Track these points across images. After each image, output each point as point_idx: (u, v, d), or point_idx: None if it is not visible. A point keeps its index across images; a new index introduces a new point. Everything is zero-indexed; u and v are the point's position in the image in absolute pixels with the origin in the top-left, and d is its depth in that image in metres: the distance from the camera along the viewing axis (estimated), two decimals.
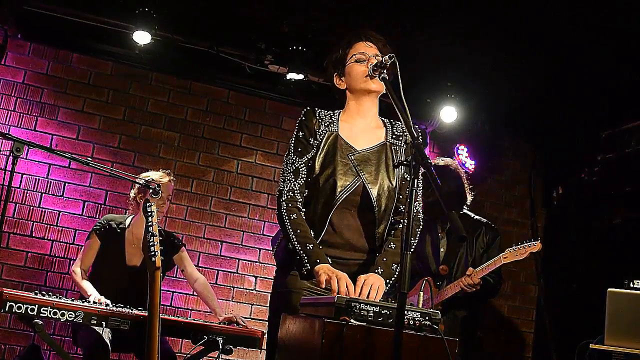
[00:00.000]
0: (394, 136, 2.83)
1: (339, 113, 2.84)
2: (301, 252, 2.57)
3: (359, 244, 2.70)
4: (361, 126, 2.81)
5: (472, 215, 4.46)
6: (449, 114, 5.62)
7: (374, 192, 2.68)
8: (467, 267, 4.25)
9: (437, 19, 4.73)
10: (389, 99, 2.51)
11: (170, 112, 5.52)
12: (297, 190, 2.70)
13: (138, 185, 4.10)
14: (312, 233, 2.64)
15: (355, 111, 2.82)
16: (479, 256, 4.33)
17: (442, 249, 4.35)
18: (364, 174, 2.70)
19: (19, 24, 5.04)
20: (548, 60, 5.07)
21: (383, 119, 2.88)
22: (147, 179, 4.09)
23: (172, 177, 4.34)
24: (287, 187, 2.70)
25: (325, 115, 2.79)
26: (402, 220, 2.74)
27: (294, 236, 2.60)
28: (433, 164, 4.27)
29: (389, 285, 2.60)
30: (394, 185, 2.73)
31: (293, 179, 2.71)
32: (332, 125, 2.78)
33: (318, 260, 2.54)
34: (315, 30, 5.02)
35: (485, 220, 4.48)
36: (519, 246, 4.25)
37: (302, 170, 2.72)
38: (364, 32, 2.81)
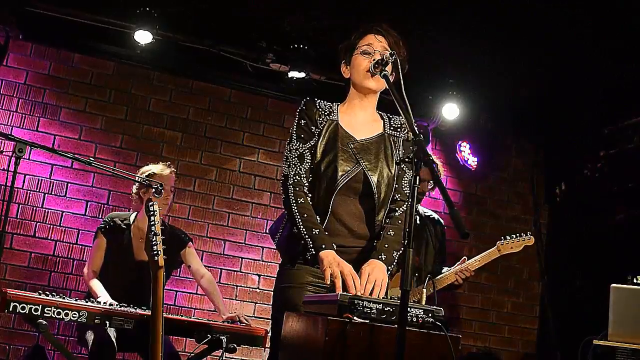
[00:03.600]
0: (391, 128, 2.87)
1: (338, 105, 2.88)
2: (306, 236, 2.58)
3: (360, 230, 2.72)
4: (360, 118, 2.85)
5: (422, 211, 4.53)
6: (451, 110, 5.61)
7: (374, 179, 2.71)
8: (432, 259, 4.32)
9: (438, 17, 4.73)
10: (390, 95, 2.51)
11: (172, 112, 5.53)
12: (303, 174, 2.71)
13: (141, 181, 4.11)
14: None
15: (356, 104, 2.85)
16: (438, 248, 4.43)
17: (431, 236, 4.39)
18: (364, 162, 2.73)
19: (20, 24, 5.05)
20: (550, 57, 5.07)
21: (380, 112, 2.91)
22: (148, 172, 4.11)
23: (173, 169, 4.35)
24: (292, 172, 2.71)
25: (325, 106, 2.83)
26: (397, 209, 2.77)
27: (300, 220, 2.61)
28: None
29: (388, 272, 2.62)
30: (393, 174, 2.77)
31: (298, 164, 2.72)
32: (332, 114, 2.81)
33: (323, 246, 2.55)
34: (317, 28, 5.02)
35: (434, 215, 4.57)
36: (513, 239, 4.31)
37: (306, 156, 2.74)
38: (377, 25, 2.83)
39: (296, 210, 2.64)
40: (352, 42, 2.82)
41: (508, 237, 4.35)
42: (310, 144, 2.75)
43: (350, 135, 2.78)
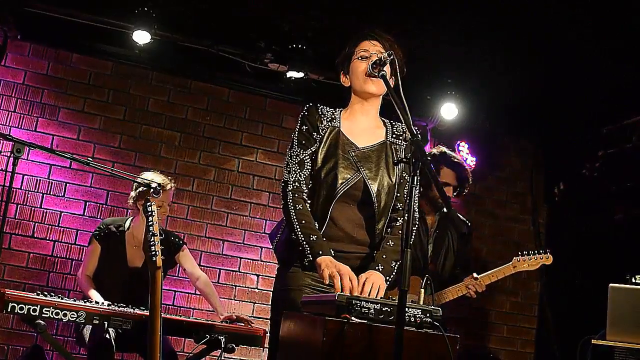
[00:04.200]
0: (394, 135, 2.86)
1: (341, 110, 2.87)
2: (304, 242, 2.58)
3: (359, 237, 2.72)
4: (362, 125, 2.84)
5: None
6: (449, 110, 5.61)
7: (373, 187, 2.71)
8: (452, 265, 4.29)
9: (437, 17, 4.73)
10: (389, 96, 2.51)
11: (170, 112, 5.52)
12: (302, 181, 2.72)
13: (139, 189, 4.11)
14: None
15: (358, 110, 2.85)
16: (460, 254, 4.37)
17: (429, 246, 4.35)
18: (365, 170, 2.72)
19: (19, 24, 5.04)
20: (549, 56, 5.07)
21: (383, 119, 2.91)
22: (147, 180, 4.12)
23: (174, 184, 4.37)
24: (292, 178, 2.71)
25: (327, 111, 2.82)
26: (399, 218, 2.76)
27: (298, 226, 2.61)
28: (446, 153, 4.39)
29: (388, 282, 2.61)
30: (394, 182, 2.76)
31: (298, 170, 2.72)
32: (334, 121, 2.81)
33: (320, 252, 2.55)
34: (315, 28, 5.02)
35: (463, 218, 4.53)
36: (529, 256, 4.23)
37: (306, 162, 2.74)
38: (371, 31, 2.83)
39: (294, 217, 2.63)
40: (348, 52, 2.82)
41: (525, 254, 4.25)
42: (311, 150, 2.75)
43: (352, 142, 2.78)
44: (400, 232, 2.73)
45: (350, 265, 2.57)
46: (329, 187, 2.69)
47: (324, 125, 2.78)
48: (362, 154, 2.76)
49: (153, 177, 4.25)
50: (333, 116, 2.82)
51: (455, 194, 4.41)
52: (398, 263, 2.67)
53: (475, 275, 4.22)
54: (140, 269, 4.11)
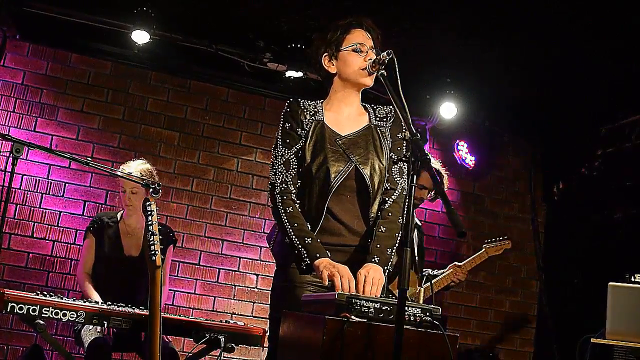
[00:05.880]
0: (377, 119, 2.84)
1: (322, 102, 2.84)
2: (299, 246, 2.55)
3: (358, 228, 2.69)
4: (346, 114, 2.81)
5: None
6: (448, 110, 5.62)
7: (366, 172, 2.68)
8: (422, 263, 4.49)
9: (435, 16, 4.72)
10: (387, 95, 2.50)
11: (169, 111, 5.52)
12: (289, 181, 2.69)
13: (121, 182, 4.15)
14: (310, 222, 2.63)
15: (341, 100, 2.81)
16: (420, 253, 4.57)
17: (415, 242, 4.42)
18: (355, 157, 2.69)
19: (18, 24, 5.04)
20: (547, 55, 5.07)
21: (364, 104, 2.88)
22: (127, 171, 4.08)
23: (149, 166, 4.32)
24: (279, 179, 2.69)
25: (309, 105, 2.79)
26: (388, 199, 2.73)
27: (291, 230, 2.59)
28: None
29: (387, 271, 2.59)
30: (384, 164, 2.73)
31: (284, 171, 2.70)
32: (317, 114, 2.77)
33: (318, 255, 2.52)
34: (314, 27, 5.01)
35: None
36: (494, 243, 4.74)
37: (292, 162, 2.71)
38: (365, 21, 2.80)
39: (286, 220, 2.61)
40: (339, 37, 2.76)
41: (491, 241, 4.76)
42: (296, 148, 2.72)
43: (337, 133, 2.75)
44: (390, 214, 2.69)
45: (351, 259, 2.57)
46: (322, 183, 2.65)
47: (308, 120, 2.75)
48: (350, 141, 2.73)
49: (128, 167, 4.20)
50: (316, 109, 2.78)
51: (430, 198, 4.61)
52: (394, 248, 2.64)
53: (457, 263, 4.61)
54: (136, 259, 4.12)
